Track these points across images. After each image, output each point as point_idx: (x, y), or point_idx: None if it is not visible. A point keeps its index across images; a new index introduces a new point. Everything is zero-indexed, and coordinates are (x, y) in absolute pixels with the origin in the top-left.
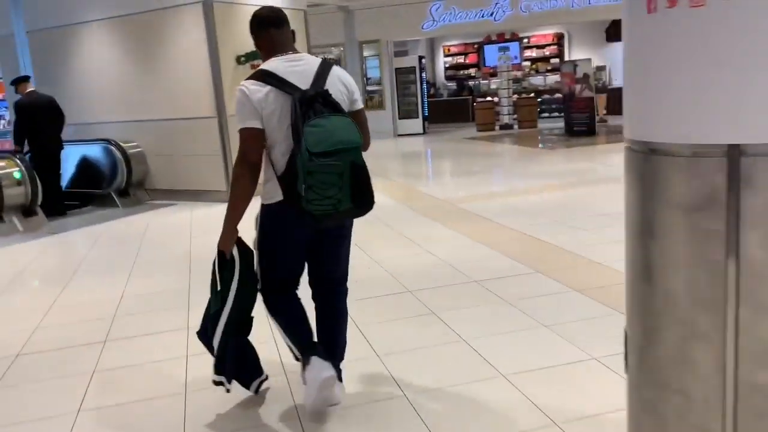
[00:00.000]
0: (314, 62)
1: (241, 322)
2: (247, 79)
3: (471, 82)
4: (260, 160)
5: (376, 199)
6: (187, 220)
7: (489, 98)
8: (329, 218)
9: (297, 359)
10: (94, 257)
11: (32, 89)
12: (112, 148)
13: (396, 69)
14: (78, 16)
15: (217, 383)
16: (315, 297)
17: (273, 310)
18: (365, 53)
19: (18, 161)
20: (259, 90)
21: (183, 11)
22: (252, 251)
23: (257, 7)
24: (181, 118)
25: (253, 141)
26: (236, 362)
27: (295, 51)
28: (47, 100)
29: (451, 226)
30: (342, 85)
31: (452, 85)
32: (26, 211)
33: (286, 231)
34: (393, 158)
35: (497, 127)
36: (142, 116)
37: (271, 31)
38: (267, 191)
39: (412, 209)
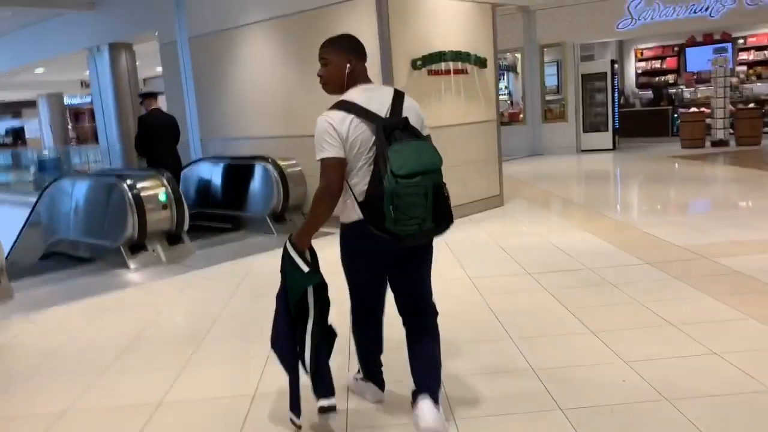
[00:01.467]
0: (389, 91)
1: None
2: (330, 109)
3: (670, 90)
4: (341, 189)
5: (578, 236)
6: None
7: (695, 109)
8: (412, 238)
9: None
10: (237, 309)
11: (157, 107)
12: (269, 166)
13: (582, 75)
14: (239, 19)
15: (326, 409)
16: (404, 321)
17: (356, 330)
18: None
19: (164, 181)
20: (343, 119)
21: (352, 7)
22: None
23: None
24: None
25: (338, 170)
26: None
27: (370, 81)
28: (166, 119)
29: (737, 305)
30: (415, 113)
31: (646, 93)
32: (171, 237)
33: (366, 247)
34: (583, 180)
35: (707, 144)
36: (301, 131)
37: (360, 61)
38: (344, 211)
39: (648, 264)
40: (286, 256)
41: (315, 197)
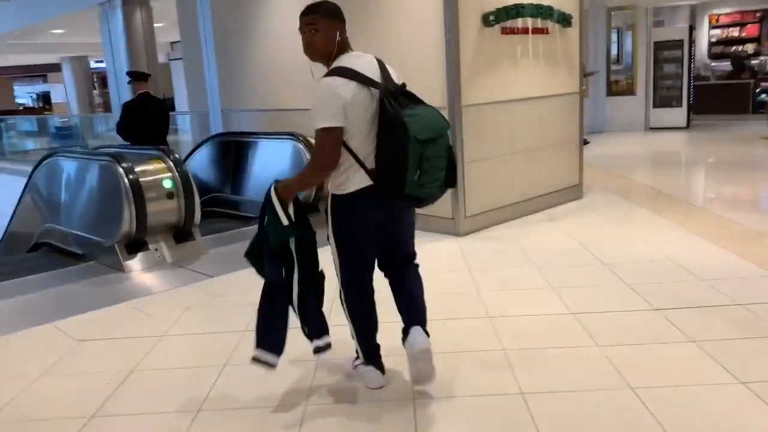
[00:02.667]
0: (373, 59)
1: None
2: (326, 75)
3: (753, 61)
4: (338, 161)
5: (691, 243)
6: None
7: None
8: (432, 199)
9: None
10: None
11: (146, 90)
12: (300, 145)
13: (655, 43)
14: None
15: (321, 349)
16: (390, 274)
17: (351, 307)
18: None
19: (171, 163)
20: (346, 84)
21: None
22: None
23: None
24: None
25: (337, 142)
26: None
27: (352, 49)
28: (157, 106)
29: None
30: (397, 79)
31: (721, 64)
32: (178, 233)
33: (365, 216)
34: (666, 165)
35: None
36: None
37: (345, 29)
38: (343, 181)
39: None
40: (268, 203)
41: (310, 167)
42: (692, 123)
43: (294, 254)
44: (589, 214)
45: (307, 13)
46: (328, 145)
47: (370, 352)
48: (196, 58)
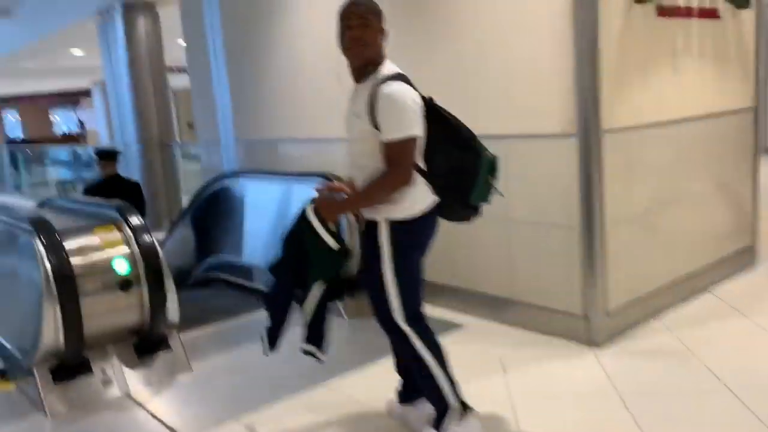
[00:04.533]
0: None
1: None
2: (393, 80)
3: None
4: None
5: None
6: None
7: None
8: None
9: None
10: None
11: (116, 172)
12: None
13: None
14: None
15: (309, 353)
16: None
17: (428, 342)
18: None
19: (130, 231)
20: (415, 93)
21: None
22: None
23: None
24: (507, 135)
25: (415, 151)
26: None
27: None
28: (127, 189)
29: None
30: None
31: None
32: (143, 343)
33: (427, 243)
34: None
35: None
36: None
37: None
38: (409, 203)
39: None
40: (306, 227)
41: (387, 183)
42: None
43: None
44: None
45: (352, 7)
46: (411, 157)
47: (458, 393)
48: (202, 77)
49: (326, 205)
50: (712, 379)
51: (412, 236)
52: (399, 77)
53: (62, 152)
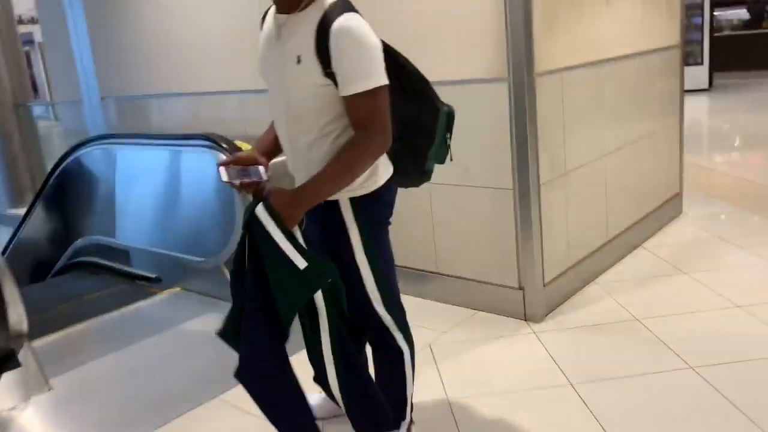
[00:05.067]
0: None
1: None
2: (350, 12)
3: None
4: None
5: None
6: None
7: None
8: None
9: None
10: None
11: None
12: (222, 156)
13: None
14: None
15: None
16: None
17: (405, 333)
18: None
19: None
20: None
21: None
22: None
23: None
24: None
25: (387, 102)
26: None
27: None
28: None
29: None
30: None
31: (730, 12)
32: None
33: (391, 214)
34: (743, 143)
35: None
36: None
37: None
38: (374, 171)
39: None
40: (261, 238)
41: (369, 148)
42: (714, 83)
43: (320, 307)
44: (719, 249)
45: None
46: (387, 112)
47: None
48: (56, 23)
49: (288, 201)
50: (666, 351)
51: (381, 210)
52: (350, 7)
53: None
